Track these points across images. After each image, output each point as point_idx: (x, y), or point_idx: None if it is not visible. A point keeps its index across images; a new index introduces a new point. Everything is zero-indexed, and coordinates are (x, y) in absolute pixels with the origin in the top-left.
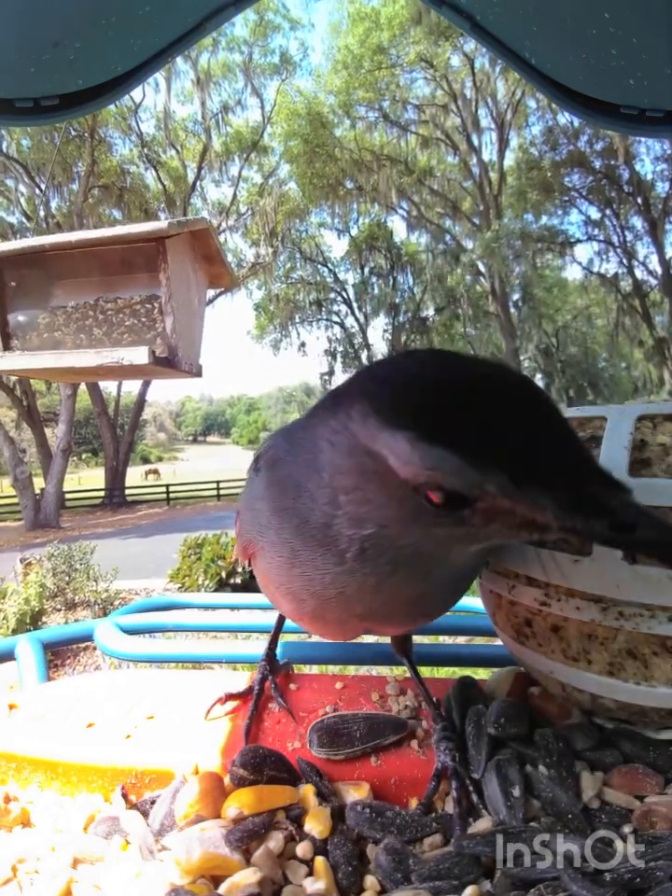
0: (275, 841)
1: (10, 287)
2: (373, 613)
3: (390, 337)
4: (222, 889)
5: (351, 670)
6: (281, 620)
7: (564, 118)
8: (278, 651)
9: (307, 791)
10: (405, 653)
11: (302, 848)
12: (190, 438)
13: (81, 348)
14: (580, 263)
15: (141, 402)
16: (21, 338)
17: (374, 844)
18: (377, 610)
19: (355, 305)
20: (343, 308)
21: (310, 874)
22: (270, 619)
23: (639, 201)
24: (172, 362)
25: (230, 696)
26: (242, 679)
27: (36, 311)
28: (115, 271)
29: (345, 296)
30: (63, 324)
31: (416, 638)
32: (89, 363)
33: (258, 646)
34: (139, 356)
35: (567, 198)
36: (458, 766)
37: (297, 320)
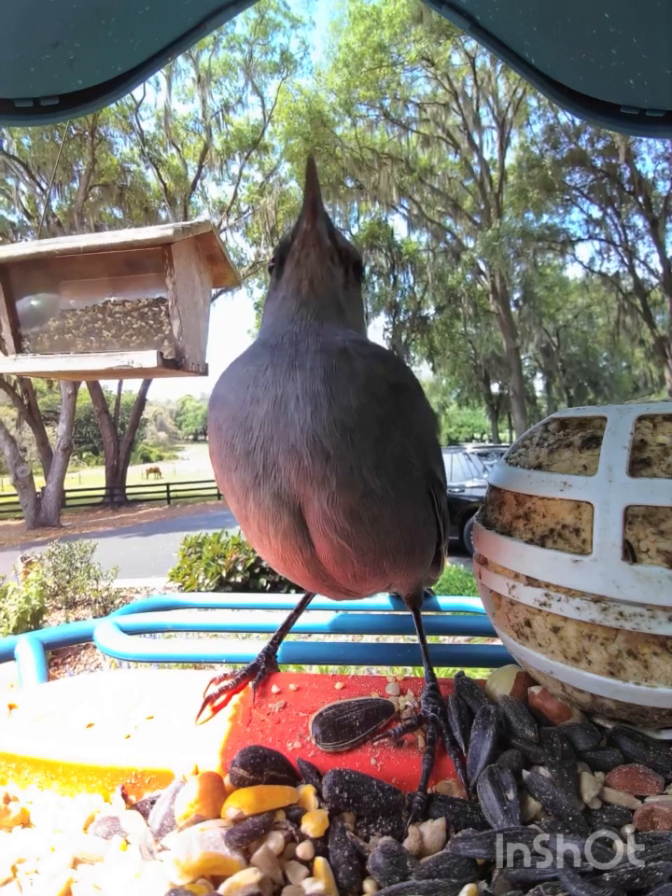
0: (275, 841)
1: (19, 290)
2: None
3: (391, 335)
4: (222, 889)
5: (351, 670)
6: (289, 621)
7: (565, 116)
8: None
9: (307, 791)
10: (413, 606)
11: (302, 849)
12: (191, 437)
13: (91, 350)
14: (580, 262)
15: (141, 401)
16: (31, 340)
17: (358, 829)
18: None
19: None
20: None
21: (310, 874)
22: (270, 619)
23: (640, 199)
24: (179, 364)
25: (215, 681)
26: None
27: (46, 314)
28: (121, 272)
29: None
30: (72, 327)
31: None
32: (99, 366)
33: (258, 646)
34: (148, 359)
35: (567, 196)
36: (439, 717)
37: None
